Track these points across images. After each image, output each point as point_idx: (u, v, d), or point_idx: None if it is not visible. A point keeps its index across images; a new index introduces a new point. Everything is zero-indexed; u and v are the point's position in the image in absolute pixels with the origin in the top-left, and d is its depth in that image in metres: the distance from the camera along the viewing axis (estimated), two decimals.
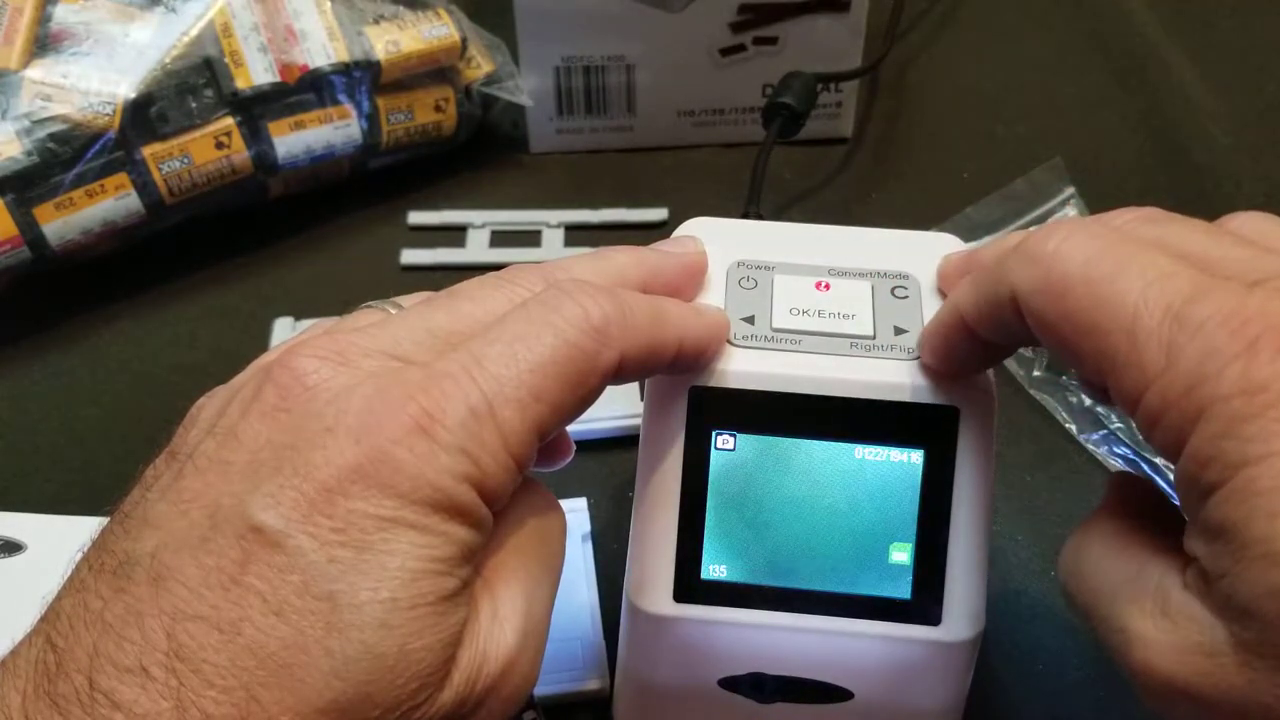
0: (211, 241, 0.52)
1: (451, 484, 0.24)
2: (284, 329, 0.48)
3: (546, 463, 0.31)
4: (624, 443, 0.43)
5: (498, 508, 0.25)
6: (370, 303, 0.29)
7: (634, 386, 0.44)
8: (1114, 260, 0.23)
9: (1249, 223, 0.25)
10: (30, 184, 0.45)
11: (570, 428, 0.27)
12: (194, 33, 0.47)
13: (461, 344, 0.25)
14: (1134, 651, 0.23)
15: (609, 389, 0.27)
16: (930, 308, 0.31)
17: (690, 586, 0.30)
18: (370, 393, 0.24)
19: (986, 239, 0.30)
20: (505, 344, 0.25)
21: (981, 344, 0.27)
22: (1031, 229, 0.25)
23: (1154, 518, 0.26)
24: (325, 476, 0.23)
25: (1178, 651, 0.22)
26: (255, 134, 0.49)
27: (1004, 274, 0.25)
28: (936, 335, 0.28)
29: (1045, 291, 0.24)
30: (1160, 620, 0.23)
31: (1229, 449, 0.21)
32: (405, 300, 0.29)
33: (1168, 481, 0.40)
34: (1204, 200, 0.53)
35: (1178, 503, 0.24)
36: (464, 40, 0.52)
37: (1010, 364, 0.46)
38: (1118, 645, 0.24)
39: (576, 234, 0.53)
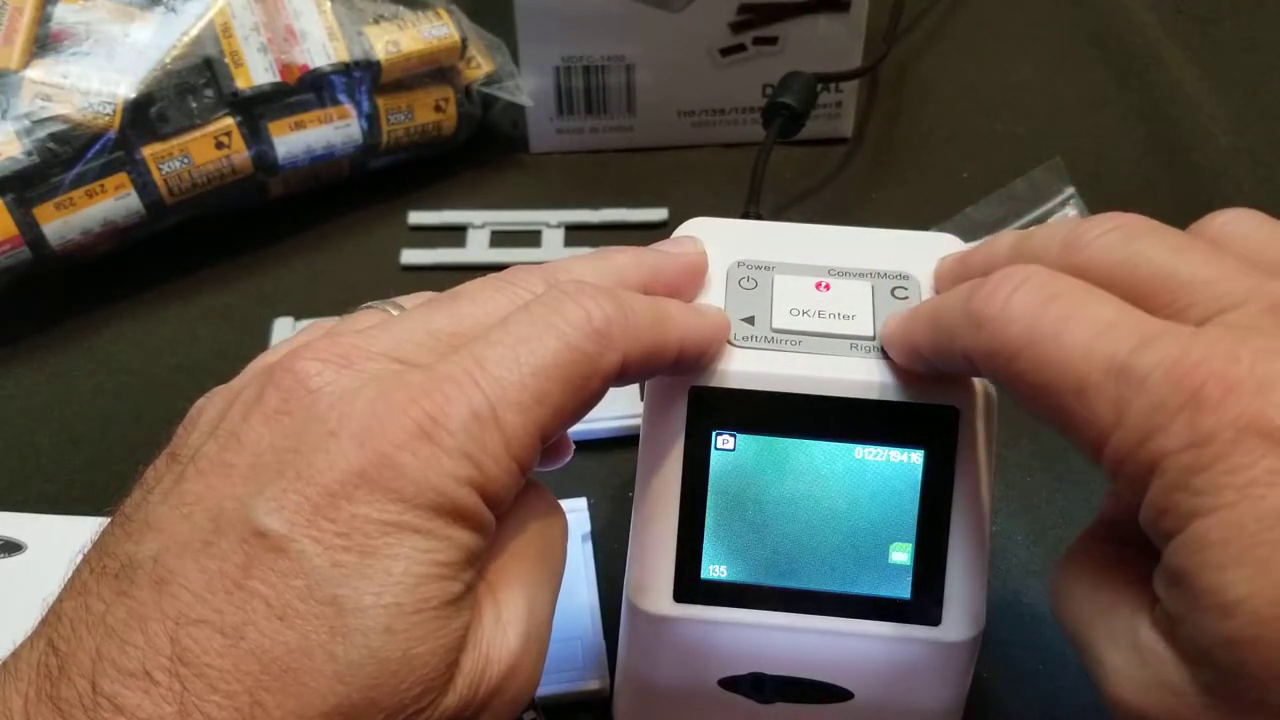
0: (211, 241, 0.52)
1: (455, 488, 0.24)
2: (284, 329, 0.48)
3: (546, 463, 0.31)
4: (624, 443, 0.43)
5: (500, 511, 0.25)
6: (371, 303, 0.29)
7: (634, 387, 0.44)
8: (1056, 317, 0.23)
9: (1229, 225, 0.25)
10: (30, 184, 0.45)
11: (570, 428, 0.27)
12: (194, 33, 0.47)
13: (463, 346, 0.25)
14: (1108, 683, 0.24)
15: (609, 389, 0.27)
16: None
17: (690, 586, 0.30)
18: (373, 396, 0.24)
19: (986, 239, 0.30)
20: (507, 346, 0.25)
21: (933, 369, 0.28)
22: (978, 285, 0.25)
23: (1135, 546, 0.26)
24: (328, 480, 0.23)
25: (1146, 687, 0.23)
26: (255, 134, 0.49)
27: (955, 336, 0.25)
28: (900, 350, 0.29)
29: (995, 356, 0.24)
30: (1131, 655, 0.23)
31: (1180, 501, 0.21)
32: (406, 300, 0.29)
33: None
34: (1204, 200, 0.53)
35: None
36: (464, 40, 0.52)
37: None
38: (1094, 675, 0.24)
39: (576, 234, 0.53)
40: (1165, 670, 0.22)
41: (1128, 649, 0.23)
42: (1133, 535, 0.26)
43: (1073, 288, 0.24)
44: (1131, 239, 0.25)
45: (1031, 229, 0.25)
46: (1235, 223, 0.25)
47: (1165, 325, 0.22)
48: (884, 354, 0.30)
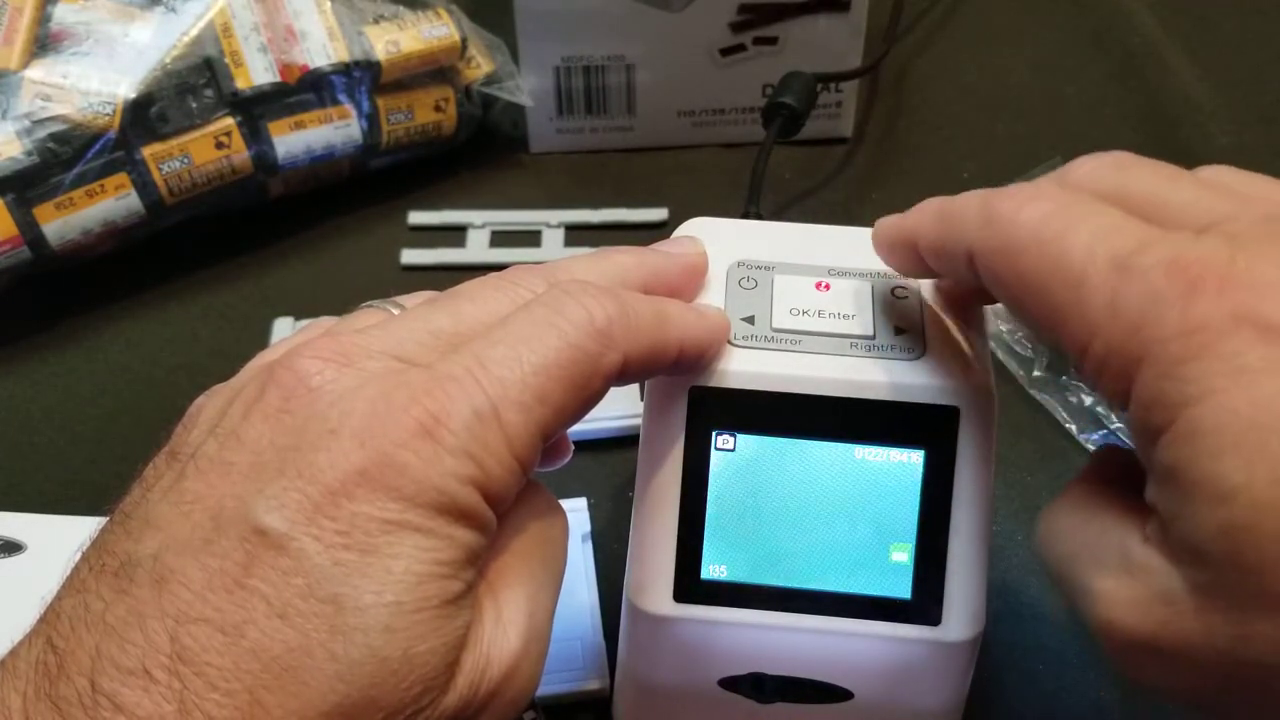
0: (211, 241, 0.52)
1: (456, 487, 0.24)
2: (284, 329, 0.48)
3: (545, 463, 0.31)
4: (624, 443, 0.43)
5: (501, 510, 0.25)
6: (371, 302, 0.29)
7: (634, 387, 0.44)
8: (1065, 219, 0.24)
9: (1215, 172, 0.26)
10: (30, 184, 0.45)
11: (571, 428, 0.27)
12: (194, 33, 0.47)
13: (465, 345, 0.25)
14: (1097, 609, 0.23)
15: (609, 389, 0.27)
16: (930, 308, 0.31)
17: (690, 586, 0.30)
18: (374, 395, 0.24)
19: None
20: (509, 346, 0.25)
21: (925, 269, 0.28)
22: (1000, 190, 0.26)
23: (1125, 483, 0.26)
24: (329, 479, 0.23)
25: (1137, 603, 0.22)
26: (255, 134, 0.49)
27: (965, 230, 0.25)
28: (890, 240, 0.29)
29: (1000, 252, 0.24)
30: (1120, 575, 0.23)
31: (1170, 391, 0.21)
32: (406, 300, 0.29)
33: None
34: None
35: None
36: (464, 40, 0.52)
37: (1010, 364, 0.46)
38: (1083, 607, 0.24)
39: (576, 234, 0.53)
40: (1157, 580, 0.22)
41: (1117, 570, 0.23)
42: (1119, 475, 0.26)
43: (1083, 198, 0.24)
44: (1123, 169, 0.26)
45: (1004, 188, 0.26)
46: (1218, 171, 0.26)
47: (1168, 231, 0.23)
48: (884, 354, 0.30)
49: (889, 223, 0.29)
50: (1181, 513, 0.21)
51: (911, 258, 0.28)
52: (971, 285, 0.27)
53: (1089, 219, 0.23)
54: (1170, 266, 0.21)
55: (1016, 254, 0.24)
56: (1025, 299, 0.24)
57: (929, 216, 0.27)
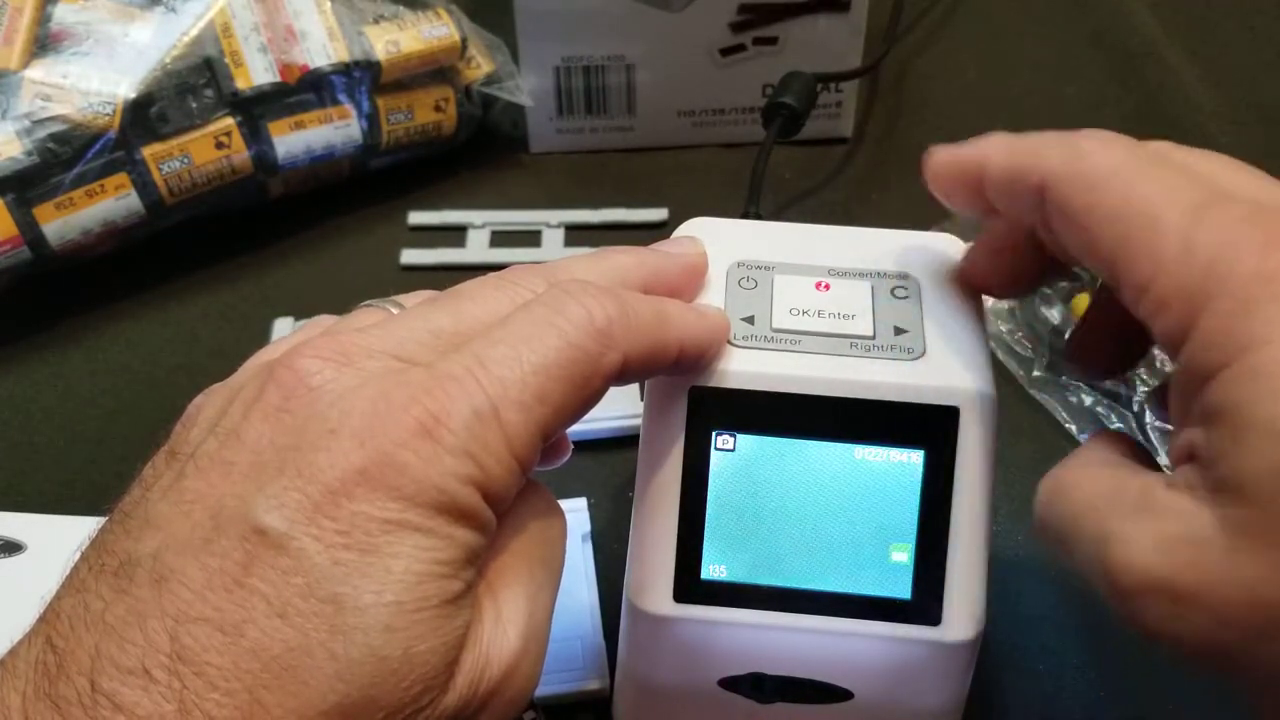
0: (211, 241, 0.52)
1: (456, 486, 0.24)
2: (284, 329, 0.48)
3: (544, 462, 0.31)
4: (624, 443, 0.43)
5: (501, 510, 0.25)
6: (370, 301, 0.29)
7: (634, 387, 0.44)
8: (1145, 166, 0.25)
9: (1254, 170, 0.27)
10: (30, 184, 0.45)
11: (571, 428, 0.27)
12: (194, 33, 0.47)
13: (465, 345, 0.25)
14: (1114, 551, 0.23)
15: (609, 389, 0.27)
16: (930, 308, 0.31)
17: (690, 587, 0.30)
18: (374, 394, 0.24)
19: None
20: (509, 346, 0.25)
21: (980, 199, 0.28)
22: (1082, 131, 0.27)
23: (1132, 456, 0.27)
24: (329, 479, 0.23)
25: (1160, 543, 0.22)
26: (255, 134, 0.49)
27: (1043, 157, 0.26)
28: (949, 166, 0.29)
29: (1077, 179, 0.25)
30: (1143, 516, 0.23)
31: (1238, 329, 0.21)
32: (405, 299, 0.29)
33: None
34: None
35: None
36: (464, 40, 0.52)
37: (1010, 364, 0.46)
38: (1095, 554, 0.24)
39: (576, 234, 0.53)
40: (1183, 521, 0.22)
41: (1140, 512, 0.23)
42: (1122, 450, 0.27)
43: (1158, 154, 0.26)
44: (1178, 150, 0.27)
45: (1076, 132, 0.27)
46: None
47: (1237, 195, 0.24)
48: (884, 354, 0.29)
49: (948, 150, 0.29)
50: (1232, 450, 0.21)
51: (969, 187, 0.28)
52: (1019, 223, 0.27)
53: (1167, 172, 0.25)
54: (1250, 217, 0.22)
55: (1096, 187, 0.25)
56: (1094, 231, 0.25)
57: (999, 145, 0.28)
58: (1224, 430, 0.21)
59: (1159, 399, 0.32)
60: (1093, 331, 0.32)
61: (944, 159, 0.29)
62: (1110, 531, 0.23)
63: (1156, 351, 0.40)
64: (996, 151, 0.28)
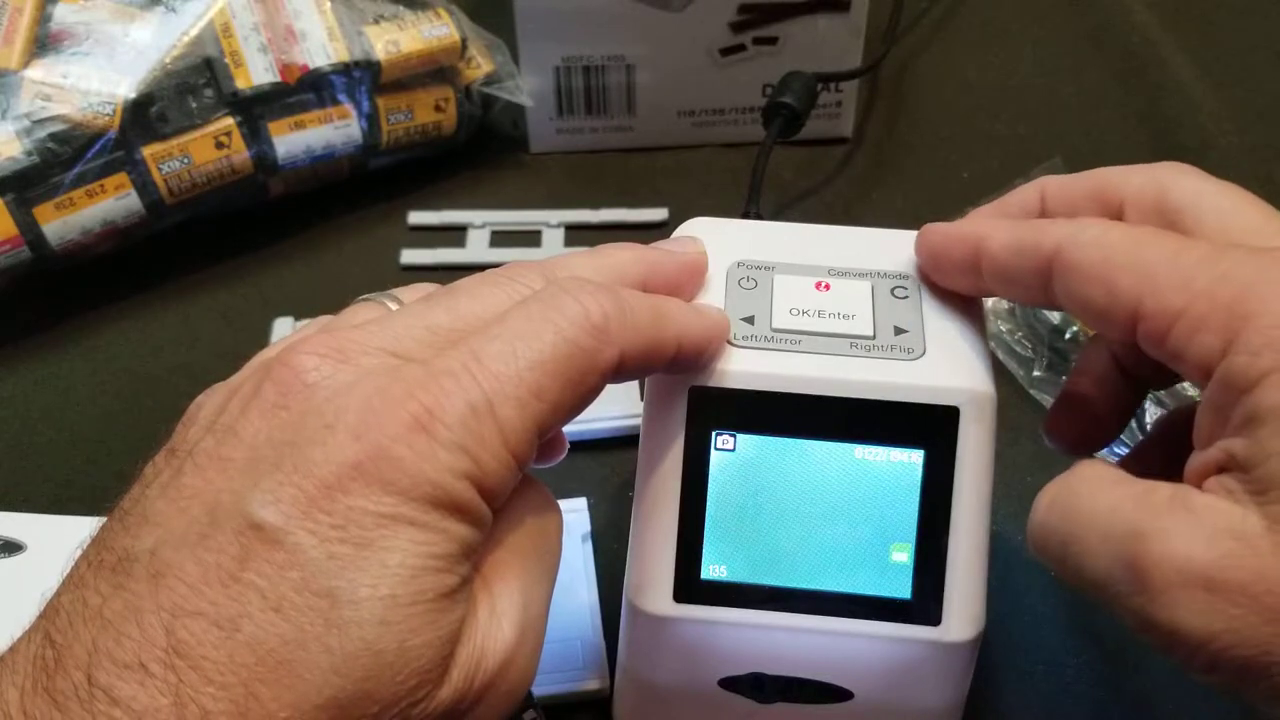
0: (211, 241, 0.52)
1: (451, 481, 0.24)
2: (284, 329, 0.48)
3: (540, 460, 0.31)
4: (624, 443, 0.43)
5: (497, 505, 0.25)
6: (367, 296, 0.29)
7: (634, 386, 0.44)
8: (1153, 230, 0.26)
9: None
10: (30, 184, 0.45)
11: (570, 428, 0.27)
12: (194, 33, 0.47)
13: (461, 341, 0.25)
14: (1149, 545, 0.23)
15: (609, 389, 0.27)
16: (930, 308, 0.31)
17: (690, 586, 0.30)
18: (370, 390, 0.24)
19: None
20: (505, 342, 0.25)
21: (974, 279, 0.29)
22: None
23: (1156, 467, 0.27)
24: (325, 473, 0.23)
25: (1203, 537, 0.22)
26: (255, 134, 0.49)
27: (1048, 232, 0.27)
28: (944, 246, 0.30)
29: (1091, 242, 0.26)
30: (1182, 514, 0.23)
31: None
32: (403, 293, 0.29)
33: None
34: None
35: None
36: (464, 40, 0.52)
37: (1010, 364, 0.46)
38: (1122, 553, 0.24)
39: (576, 234, 0.53)
40: (1227, 518, 0.22)
41: (1178, 511, 0.23)
42: (1135, 469, 0.27)
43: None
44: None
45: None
46: None
47: None
48: (884, 354, 0.29)
49: (943, 229, 0.30)
50: (1277, 451, 0.22)
51: (966, 266, 0.29)
52: (1020, 294, 0.28)
53: (1176, 235, 0.26)
54: (1268, 252, 0.24)
55: (1111, 245, 0.26)
56: (1114, 278, 0.26)
57: (999, 224, 0.29)
58: (1271, 429, 0.22)
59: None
60: (1073, 406, 0.32)
61: (939, 239, 0.30)
62: (1145, 528, 0.23)
63: None
64: (997, 232, 0.28)
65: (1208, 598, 0.22)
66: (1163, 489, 0.24)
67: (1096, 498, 0.25)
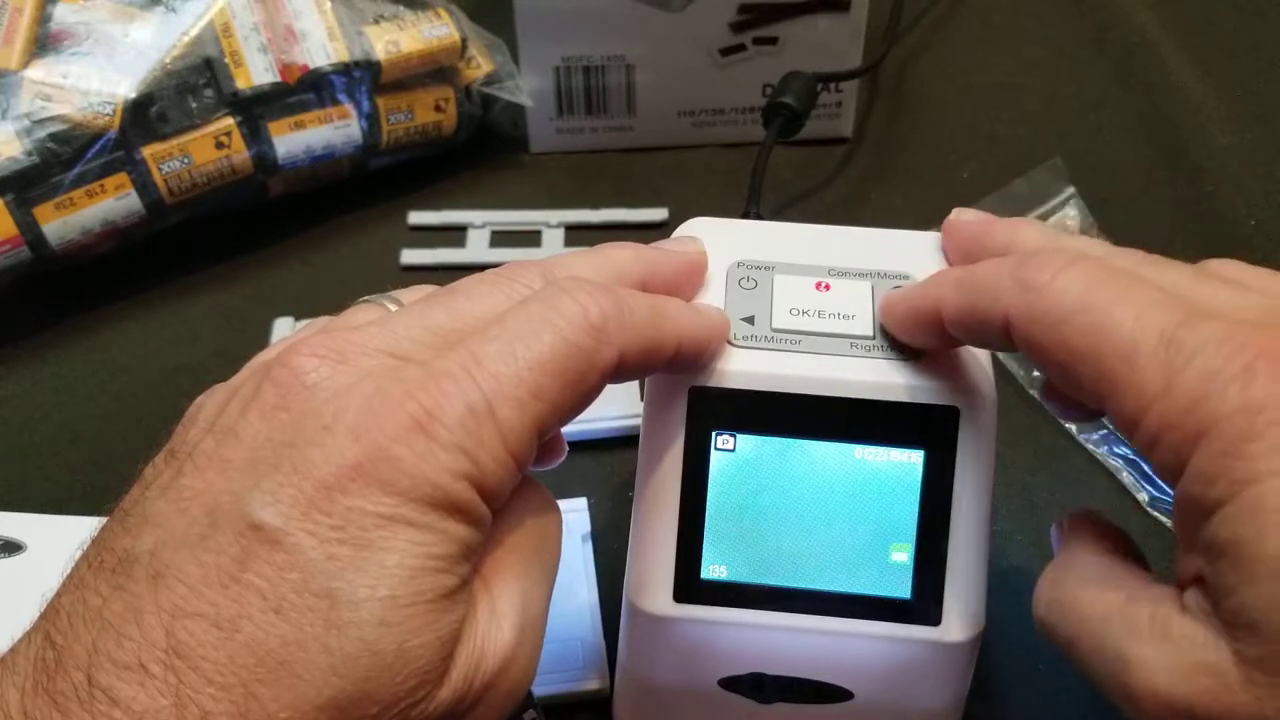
0: (211, 241, 0.52)
1: (450, 482, 0.24)
2: (284, 329, 0.48)
3: (540, 462, 0.31)
4: (624, 443, 0.43)
5: (496, 506, 0.25)
6: (367, 297, 0.29)
7: (634, 386, 0.44)
8: (1109, 290, 0.24)
9: (1226, 268, 0.26)
10: (30, 184, 0.45)
11: (570, 428, 0.27)
12: (194, 33, 0.47)
13: (460, 342, 0.25)
14: (1134, 675, 0.23)
15: (608, 389, 0.27)
16: None
17: (690, 586, 0.30)
18: (369, 391, 0.24)
19: (1009, 220, 0.31)
20: (504, 342, 0.25)
21: (948, 337, 0.28)
22: (1028, 255, 0.26)
23: (1127, 554, 0.27)
24: (324, 474, 0.23)
25: (1181, 672, 0.22)
26: (255, 134, 0.49)
27: (997, 297, 0.26)
28: (907, 316, 0.29)
29: (1042, 320, 0.24)
30: (1161, 644, 0.23)
31: (1235, 467, 0.21)
32: (402, 295, 0.29)
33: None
34: (1204, 200, 0.53)
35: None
36: (464, 40, 0.52)
37: (1010, 364, 0.46)
38: (1113, 672, 0.24)
39: (576, 234, 0.53)
40: (1202, 652, 0.22)
41: (1156, 638, 0.23)
42: (1115, 546, 0.26)
43: (1125, 270, 0.25)
44: (1145, 264, 0.26)
45: (1037, 253, 0.26)
46: (1228, 267, 0.26)
47: (1209, 308, 0.23)
48: (884, 354, 0.29)
49: (902, 298, 0.29)
50: (1238, 588, 0.21)
51: (932, 330, 0.28)
52: (996, 347, 0.27)
53: (1133, 291, 0.24)
54: (1223, 343, 0.22)
55: (1060, 322, 0.24)
56: (1069, 367, 0.24)
57: (951, 287, 0.27)
58: (1229, 566, 0.21)
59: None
60: None
61: (899, 311, 0.29)
62: (1129, 657, 0.23)
63: None
64: (949, 294, 0.27)
65: None
66: (1144, 606, 0.24)
67: (1085, 611, 0.25)
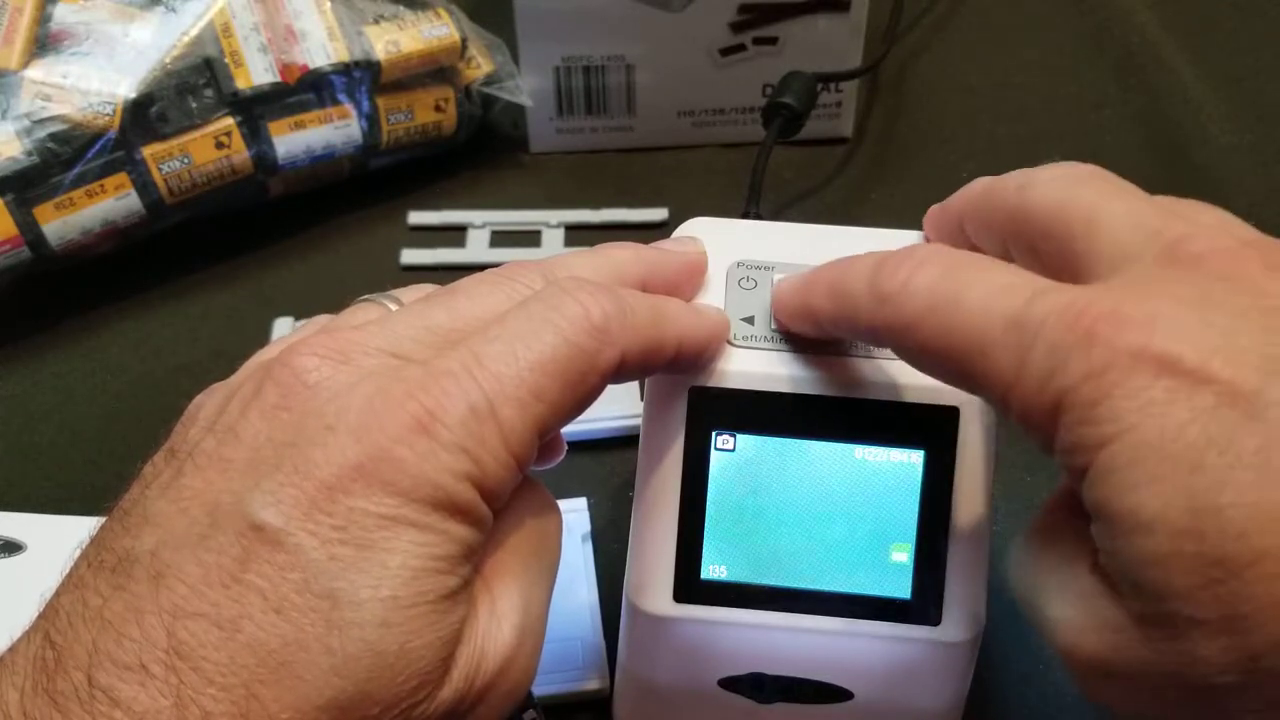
0: (211, 241, 0.52)
1: (452, 482, 0.24)
2: (284, 329, 0.48)
3: (539, 462, 0.31)
4: (624, 443, 0.43)
5: (498, 506, 0.25)
6: (367, 296, 0.29)
7: (634, 386, 0.44)
8: (957, 284, 0.24)
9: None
10: (30, 184, 0.45)
11: (571, 428, 0.27)
12: (194, 33, 0.47)
13: (461, 342, 0.25)
14: (1058, 635, 0.24)
15: (609, 389, 0.27)
16: None
17: (690, 586, 0.30)
18: (371, 391, 0.24)
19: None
20: (505, 342, 0.25)
21: (830, 335, 0.29)
22: (884, 259, 0.26)
23: (1081, 514, 0.26)
24: (326, 474, 0.23)
25: (1090, 631, 0.23)
26: (255, 134, 0.49)
27: (858, 310, 0.26)
28: (791, 315, 0.29)
29: (901, 331, 0.25)
30: (1075, 602, 0.23)
31: (1086, 434, 0.21)
32: (403, 294, 0.29)
33: None
34: (1203, 200, 0.53)
35: None
36: (464, 40, 0.52)
37: None
38: (1046, 634, 0.24)
39: (576, 234, 0.53)
40: (1105, 611, 0.22)
41: (1073, 598, 0.23)
42: (1077, 506, 0.26)
43: (972, 260, 0.25)
44: (1075, 183, 0.26)
45: (896, 251, 0.26)
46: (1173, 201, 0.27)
47: (1055, 282, 0.23)
48: (884, 354, 0.29)
49: (787, 294, 0.30)
50: (1112, 548, 0.22)
51: (818, 331, 0.29)
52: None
53: (980, 278, 0.24)
54: (1063, 315, 0.22)
55: (913, 329, 0.24)
56: (940, 368, 0.25)
57: (823, 294, 0.28)
58: (1102, 529, 0.22)
59: None
60: None
61: (782, 309, 0.30)
62: (1050, 617, 0.24)
63: None
64: (821, 304, 0.28)
65: (1112, 683, 0.23)
66: (1065, 566, 0.24)
67: (1029, 571, 0.25)
